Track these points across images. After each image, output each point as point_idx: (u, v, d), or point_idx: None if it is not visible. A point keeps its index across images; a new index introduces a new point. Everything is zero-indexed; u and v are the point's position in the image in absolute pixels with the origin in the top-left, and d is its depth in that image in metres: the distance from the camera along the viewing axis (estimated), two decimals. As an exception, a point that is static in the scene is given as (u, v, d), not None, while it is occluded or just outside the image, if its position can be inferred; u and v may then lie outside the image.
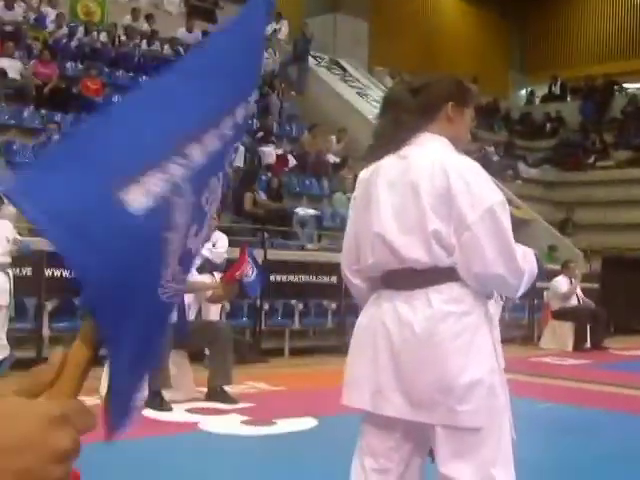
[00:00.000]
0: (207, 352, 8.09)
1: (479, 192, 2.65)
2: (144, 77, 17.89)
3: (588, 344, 14.31)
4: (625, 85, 30.36)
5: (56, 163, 0.98)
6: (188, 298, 7.95)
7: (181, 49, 19.53)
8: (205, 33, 20.70)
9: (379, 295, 2.83)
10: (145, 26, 20.05)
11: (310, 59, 22.89)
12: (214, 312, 10.28)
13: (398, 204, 2.73)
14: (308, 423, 6.88)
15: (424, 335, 2.64)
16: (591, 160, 26.31)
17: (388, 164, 2.79)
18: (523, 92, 33.99)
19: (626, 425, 7.53)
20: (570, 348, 14.01)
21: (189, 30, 20.57)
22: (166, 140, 1.06)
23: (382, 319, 2.75)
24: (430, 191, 2.65)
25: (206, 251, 10.49)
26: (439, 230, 2.64)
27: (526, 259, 2.71)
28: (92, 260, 0.96)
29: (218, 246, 10.61)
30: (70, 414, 0.88)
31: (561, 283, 14.48)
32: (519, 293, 2.76)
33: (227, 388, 7.85)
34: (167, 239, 1.02)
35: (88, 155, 0.99)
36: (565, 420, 7.60)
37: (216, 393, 7.71)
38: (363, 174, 2.94)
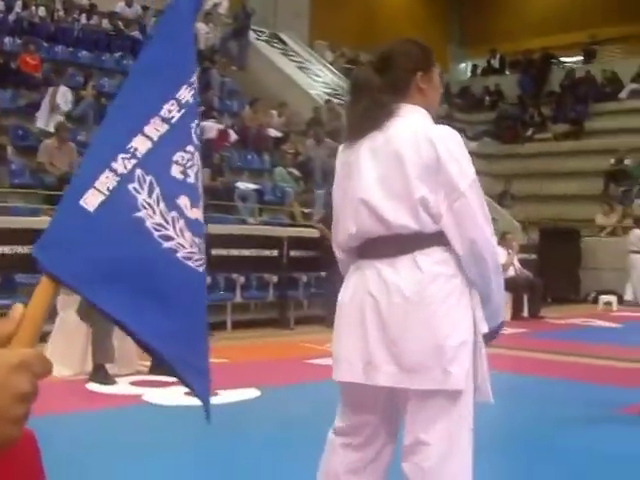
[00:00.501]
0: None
1: (465, 162, 2.77)
2: (83, 52, 17.78)
3: (525, 313, 14.64)
4: (562, 59, 30.80)
5: None
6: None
7: (120, 24, 19.43)
8: (145, 8, 20.64)
9: (359, 266, 2.86)
10: (84, 0, 19.88)
11: (250, 33, 22.83)
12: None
13: (382, 172, 2.77)
14: (251, 394, 7.03)
15: (415, 298, 2.69)
16: (529, 133, 26.72)
17: (370, 135, 2.84)
18: (462, 66, 34.30)
19: (557, 389, 7.81)
20: (508, 318, 14.30)
21: (128, 5, 20.43)
22: (111, 145, 1.33)
23: (367, 289, 2.77)
24: (416, 161, 2.71)
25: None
26: (426, 197, 2.70)
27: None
28: (63, 259, 1.27)
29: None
30: (29, 361, 1.06)
31: (500, 255, 14.73)
32: (490, 270, 2.80)
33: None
34: (140, 218, 1.30)
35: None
36: (499, 386, 7.83)
37: (96, 372, 7.72)
38: (342, 146, 3.00)
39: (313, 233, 12.89)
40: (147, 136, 1.31)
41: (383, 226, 2.76)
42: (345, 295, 2.88)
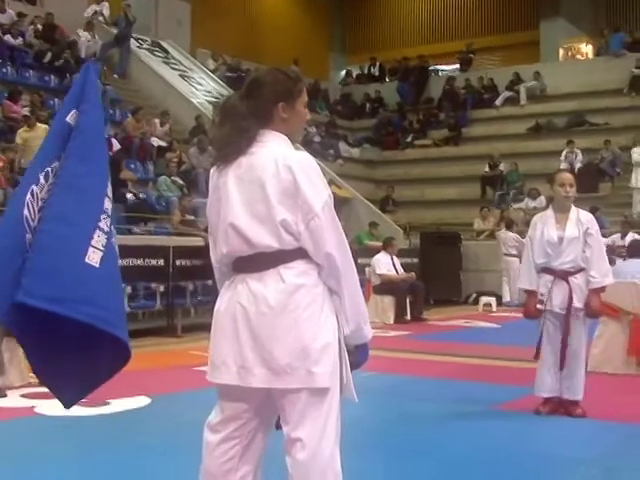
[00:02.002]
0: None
1: (320, 185, 3.02)
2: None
3: (408, 316, 14.98)
4: (439, 67, 31.55)
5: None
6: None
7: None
8: (20, 15, 20.34)
9: (232, 280, 3.12)
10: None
11: (132, 41, 22.68)
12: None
13: (247, 198, 3.03)
14: (141, 401, 7.13)
15: (279, 307, 2.97)
16: (409, 139, 27.25)
17: (236, 162, 3.08)
18: (343, 73, 34.78)
19: (435, 388, 8.13)
20: (392, 321, 14.64)
21: (2, 11, 20.08)
22: (95, 210, 1.73)
23: (239, 300, 3.03)
24: (276, 186, 2.97)
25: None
26: (286, 219, 2.97)
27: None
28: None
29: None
30: None
31: (381, 261, 15.06)
32: (343, 278, 3.04)
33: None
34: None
35: None
36: (378, 386, 8.13)
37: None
38: (213, 169, 3.21)
39: (199, 242, 12.97)
40: (108, 196, 1.59)
41: (249, 246, 3.04)
42: (220, 305, 3.13)
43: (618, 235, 17.07)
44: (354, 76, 32.58)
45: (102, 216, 1.47)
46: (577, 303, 6.49)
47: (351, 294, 3.07)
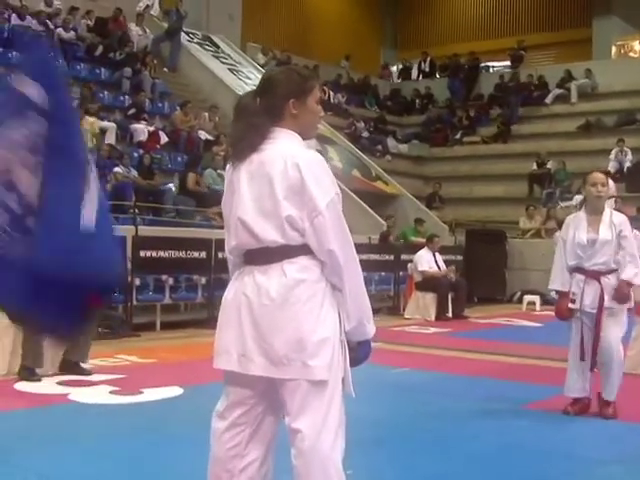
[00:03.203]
0: None
1: (326, 183, 3.11)
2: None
3: (450, 314, 14.98)
4: (490, 64, 31.39)
5: None
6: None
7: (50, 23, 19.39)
8: (73, 8, 20.58)
9: (241, 271, 3.24)
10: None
11: (183, 35, 22.87)
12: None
13: (257, 194, 3.14)
14: (174, 392, 7.24)
15: (280, 299, 3.08)
16: (458, 136, 27.17)
17: (248, 158, 3.18)
18: (395, 69, 34.72)
19: (471, 386, 8.14)
20: (433, 318, 14.65)
21: (48, 4, 20.29)
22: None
23: (244, 291, 3.16)
24: (283, 183, 3.08)
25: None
26: (292, 215, 3.08)
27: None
28: None
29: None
30: None
31: (423, 257, 15.08)
32: (346, 275, 3.12)
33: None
34: None
35: None
36: (410, 383, 8.18)
37: (69, 366, 7.99)
38: (229, 165, 3.32)
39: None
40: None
41: (256, 240, 3.16)
42: (228, 295, 3.27)
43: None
44: (408, 73, 32.52)
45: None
46: (608, 302, 6.46)
47: (353, 291, 3.14)
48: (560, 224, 17.99)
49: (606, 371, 6.56)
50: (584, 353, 6.54)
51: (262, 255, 3.15)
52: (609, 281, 6.49)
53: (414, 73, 32.39)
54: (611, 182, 7.50)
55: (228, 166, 3.33)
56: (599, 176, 6.66)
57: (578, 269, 6.60)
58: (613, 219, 6.57)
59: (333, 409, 3.13)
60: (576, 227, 6.64)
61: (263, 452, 3.29)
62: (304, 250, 3.13)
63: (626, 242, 6.49)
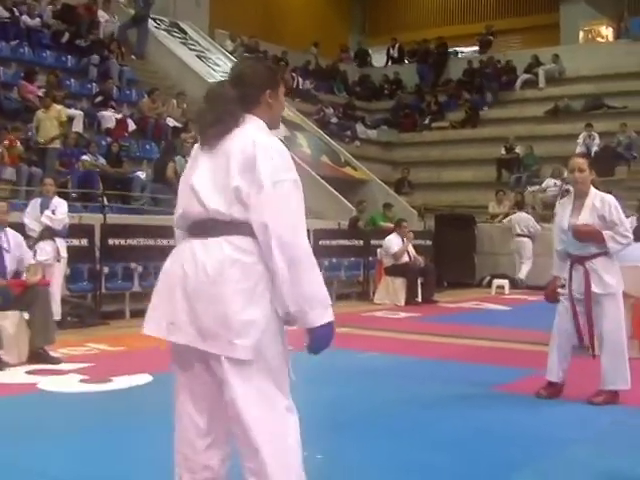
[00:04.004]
0: (26, 316, 8.15)
1: (279, 165, 3.15)
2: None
3: (419, 298, 15.03)
4: (458, 49, 31.46)
5: None
6: (10, 265, 8.22)
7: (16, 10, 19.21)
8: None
9: (183, 242, 3.29)
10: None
11: (150, 22, 22.71)
12: (57, 278, 10.48)
13: (213, 166, 3.22)
14: (143, 379, 7.23)
15: (214, 276, 3.10)
16: (426, 121, 27.23)
17: (219, 142, 3.25)
18: (370, 57, 34.71)
19: (440, 370, 8.19)
20: (402, 303, 14.69)
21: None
22: None
23: (181, 262, 3.20)
24: (239, 158, 3.15)
25: (45, 218, 10.63)
26: (240, 188, 3.11)
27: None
28: None
29: (58, 213, 10.74)
30: None
31: (393, 242, 15.11)
32: (283, 258, 3.07)
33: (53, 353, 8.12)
34: None
35: None
36: (379, 367, 8.21)
37: (38, 355, 7.97)
38: (197, 146, 3.37)
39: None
40: None
41: (202, 209, 3.20)
42: (166, 265, 3.31)
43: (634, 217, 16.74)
44: (376, 58, 32.55)
45: None
46: (595, 288, 6.46)
47: (295, 276, 3.08)
48: (522, 206, 18.37)
49: (607, 360, 6.52)
50: (582, 339, 6.58)
51: (205, 227, 3.19)
52: (594, 266, 6.48)
53: (382, 59, 32.41)
54: None
55: (195, 147, 3.39)
56: (576, 162, 6.66)
57: (567, 254, 6.65)
58: (595, 203, 6.52)
59: (260, 394, 3.13)
60: (563, 211, 6.69)
61: (224, 431, 3.30)
62: (246, 229, 3.13)
63: (615, 226, 6.45)
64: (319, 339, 3.15)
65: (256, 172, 3.11)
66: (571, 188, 7.25)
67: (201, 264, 3.14)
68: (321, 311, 3.11)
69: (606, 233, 6.41)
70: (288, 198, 3.13)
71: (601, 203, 6.52)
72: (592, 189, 6.64)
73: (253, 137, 3.19)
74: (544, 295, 6.96)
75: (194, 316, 3.12)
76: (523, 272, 18.03)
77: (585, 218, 6.48)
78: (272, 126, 3.39)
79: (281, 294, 3.09)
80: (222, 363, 3.11)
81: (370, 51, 33.24)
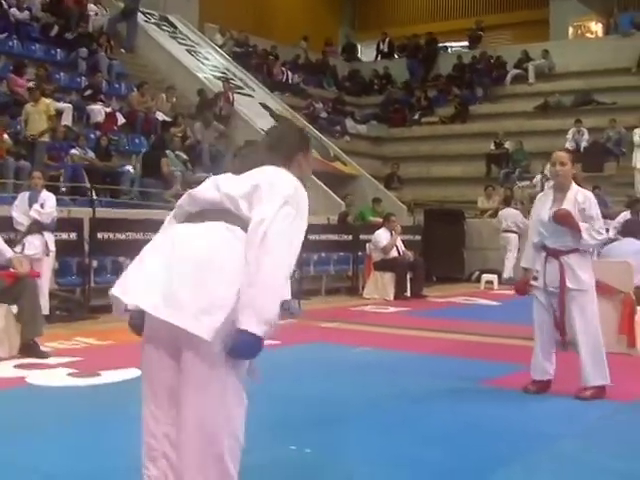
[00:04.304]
0: (14, 309, 8.12)
1: (278, 191, 3.22)
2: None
3: (408, 293, 15.03)
4: (448, 44, 31.49)
5: None
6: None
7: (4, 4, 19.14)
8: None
9: (180, 223, 3.35)
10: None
11: (139, 15, 22.66)
12: (45, 272, 10.45)
13: (231, 178, 3.37)
14: (132, 373, 7.20)
15: (203, 254, 3.09)
16: (416, 116, 27.24)
17: None
18: (358, 51, 34.71)
19: (429, 364, 8.20)
20: (391, 297, 14.69)
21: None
22: None
23: (173, 238, 3.21)
24: (259, 177, 3.30)
25: (34, 212, 10.60)
26: (250, 192, 3.22)
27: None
28: None
29: (46, 206, 10.72)
30: None
31: (382, 236, 15.12)
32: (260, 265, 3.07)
33: (43, 348, 8.11)
34: None
35: None
36: (369, 361, 8.22)
37: (28, 347, 7.95)
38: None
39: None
40: None
41: (216, 193, 3.30)
42: (157, 237, 3.34)
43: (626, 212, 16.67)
44: (366, 53, 32.56)
45: None
46: (569, 283, 6.47)
47: (257, 284, 3.05)
48: (509, 202, 18.37)
49: (579, 356, 6.53)
50: (563, 332, 6.60)
51: (208, 214, 3.28)
52: (569, 260, 6.50)
53: (371, 53, 32.42)
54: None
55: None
56: (557, 155, 6.66)
57: (543, 246, 6.64)
58: (577, 197, 6.54)
59: (217, 379, 3.11)
60: (542, 204, 6.70)
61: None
62: (239, 221, 3.20)
63: (592, 221, 6.49)
64: (241, 344, 3.05)
65: (257, 194, 3.22)
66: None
67: (193, 238, 3.18)
68: (257, 321, 3.03)
69: (583, 225, 6.45)
70: (286, 234, 3.15)
71: (583, 198, 6.56)
72: (573, 184, 6.66)
73: (264, 171, 3.38)
74: (514, 288, 6.99)
75: (170, 288, 3.05)
76: (507, 268, 18.01)
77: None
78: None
79: (245, 291, 3.04)
80: (190, 340, 3.04)
81: (359, 45, 33.23)
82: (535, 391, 6.65)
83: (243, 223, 3.18)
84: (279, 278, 3.10)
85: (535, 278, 6.66)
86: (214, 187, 3.34)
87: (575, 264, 6.51)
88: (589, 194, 6.69)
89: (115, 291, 3.22)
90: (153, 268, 3.14)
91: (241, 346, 3.04)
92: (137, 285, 3.15)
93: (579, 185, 6.74)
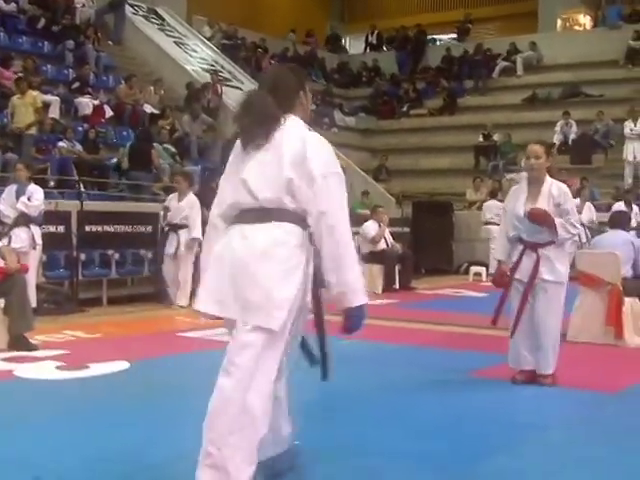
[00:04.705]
0: (1, 304, 8.09)
1: (326, 159, 3.64)
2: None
3: (397, 285, 15.05)
4: (436, 36, 31.48)
5: None
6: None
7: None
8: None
9: (231, 228, 3.68)
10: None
11: (127, 7, 22.55)
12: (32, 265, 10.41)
13: (262, 161, 3.65)
14: (120, 366, 7.21)
15: (262, 253, 3.52)
16: (405, 108, 27.23)
17: (261, 140, 3.70)
18: (342, 41, 34.66)
19: (417, 356, 8.22)
20: (380, 289, 14.70)
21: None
22: None
23: (231, 245, 3.61)
24: (290, 154, 3.59)
25: (21, 205, 10.57)
26: (292, 180, 3.56)
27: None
28: None
29: (33, 199, 10.68)
30: None
31: (370, 228, 15.12)
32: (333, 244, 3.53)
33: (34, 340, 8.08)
34: None
35: None
36: (358, 353, 8.21)
37: (17, 341, 7.93)
38: (238, 148, 3.82)
39: (188, 209, 13.03)
40: None
41: (252, 198, 3.63)
42: (217, 249, 3.70)
43: (621, 203, 16.65)
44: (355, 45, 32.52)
45: None
46: (544, 274, 6.48)
47: (337, 260, 3.52)
48: (495, 194, 18.36)
49: (539, 344, 6.59)
50: (496, 320, 6.75)
51: (255, 214, 3.61)
52: (546, 252, 6.50)
53: (360, 46, 32.38)
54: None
55: (237, 147, 3.82)
56: (533, 148, 6.63)
57: (519, 239, 6.63)
58: (552, 191, 6.54)
59: (272, 360, 3.58)
60: (516, 198, 6.67)
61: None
62: (292, 216, 3.58)
63: (567, 215, 6.50)
64: (354, 319, 3.58)
65: (307, 166, 3.55)
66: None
67: (250, 243, 3.56)
68: (358, 294, 3.55)
69: (557, 220, 6.45)
70: (336, 190, 3.59)
71: (558, 191, 6.54)
72: (547, 177, 6.64)
73: (301, 135, 3.65)
74: (492, 281, 7.01)
75: (239, 292, 3.53)
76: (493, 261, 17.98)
77: (541, 205, 6.50)
78: (305, 121, 3.81)
79: (328, 276, 3.54)
80: (251, 330, 3.51)
81: (342, 36, 33.16)
82: (523, 381, 6.65)
83: (291, 216, 3.58)
84: (352, 250, 3.61)
85: (511, 270, 6.63)
86: (246, 192, 3.63)
87: (553, 256, 6.52)
88: (563, 187, 6.66)
89: (202, 309, 3.69)
90: (222, 280, 3.58)
91: (356, 321, 3.60)
92: (213, 298, 3.63)
93: (553, 177, 6.73)
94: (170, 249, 11.71)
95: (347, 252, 3.54)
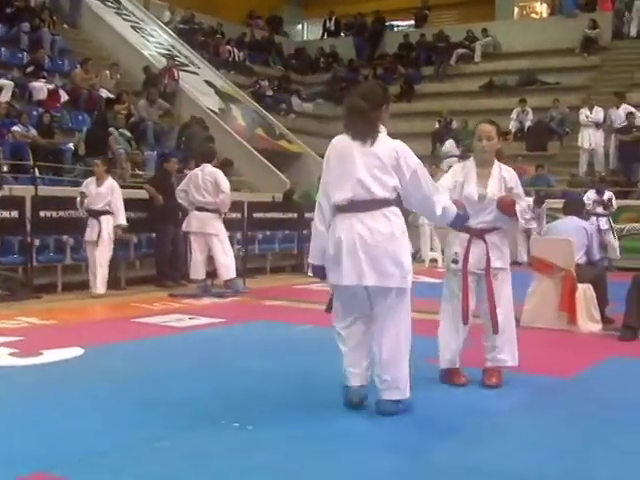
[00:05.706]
0: None
1: (411, 157, 5.17)
2: None
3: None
4: (394, 23, 31.49)
5: None
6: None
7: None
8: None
9: (345, 217, 5.07)
10: None
11: (83, -9, 22.31)
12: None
13: (368, 165, 5.06)
14: (74, 352, 7.16)
15: (389, 235, 5.03)
16: (362, 95, 27.16)
17: (359, 142, 5.12)
18: (299, 27, 34.57)
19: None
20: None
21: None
22: None
23: (358, 231, 5.03)
24: (389, 160, 5.07)
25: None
26: (396, 182, 5.08)
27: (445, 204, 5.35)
28: None
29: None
30: None
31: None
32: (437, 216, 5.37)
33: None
34: None
35: None
36: (311, 339, 8.23)
37: None
38: (336, 141, 5.29)
39: (144, 194, 12.95)
40: None
41: (367, 193, 5.05)
42: (341, 235, 5.06)
43: (593, 191, 16.62)
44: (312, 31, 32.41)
45: None
46: (496, 262, 6.14)
47: (442, 218, 5.42)
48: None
49: (507, 335, 6.30)
50: (468, 317, 6.27)
51: (368, 204, 5.03)
52: (493, 239, 6.15)
53: (318, 31, 32.32)
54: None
55: (334, 142, 5.31)
56: (485, 129, 6.24)
57: (465, 227, 6.03)
58: (503, 174, 6.20)
59: (407, 313, 5.40)
60: (465, 179, 6.20)
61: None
62: (395, 202, 5.08)
63: (520, 200, 6.17)
64: (459, 219, 5.56)
65: (405, 165, 5.07)
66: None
67: (375, 229, 5.01)
68: (445, 214, 5.38)
69: (518, 207, 6.12)
70: (425, 175, 5.18)
71: (508, 175, 6.21)
72: (495, 159, 6.28)
73: (393, 145, 5.13)
74: None
75: (376, 264, 5.00)
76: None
77: (494, 189, 6.13)
78: (385, 127, 5.28)
79: (439, 220, 5.54)
80: (389, 293, 5.12)
81: (300, 22, 33.00)
82: (466, 382, 6.34)
83: (392, 202, 5.06)
84: (439, 206, 5.29)
85: (455, 261, 6.21)
86: (361, 188, 5.02)
87: (499, 242, 6.20)
88: (512, 171, 6.32)
89: (343, 282, 5.11)
90: (357, 257, 5.01)
91: (461, 220, 5.63)
92: (355, 271, 5.04)
93: (500, 160, 6.32)
94: (92, 235, 11.48)
95: (437, 209, 5.26)
